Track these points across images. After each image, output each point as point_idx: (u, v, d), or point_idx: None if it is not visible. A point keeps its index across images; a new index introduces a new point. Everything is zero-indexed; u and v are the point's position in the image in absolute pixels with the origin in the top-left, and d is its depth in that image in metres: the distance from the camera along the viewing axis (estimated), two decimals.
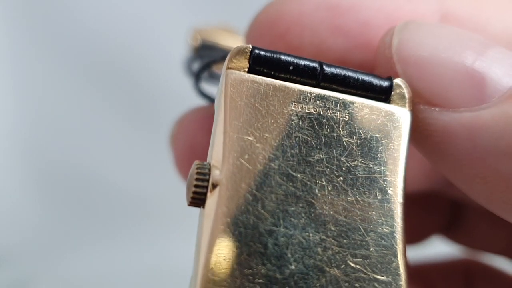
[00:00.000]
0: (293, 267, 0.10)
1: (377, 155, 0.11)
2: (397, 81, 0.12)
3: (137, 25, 0.48)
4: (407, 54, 0.12)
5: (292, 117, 0.11)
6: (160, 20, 0.48)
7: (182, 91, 0.50)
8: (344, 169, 0.11)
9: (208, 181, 0.10)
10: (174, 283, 0.41)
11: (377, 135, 0.11)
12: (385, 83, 0.12)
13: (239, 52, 0.11)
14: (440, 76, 0.12)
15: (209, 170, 0.10)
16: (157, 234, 0.45)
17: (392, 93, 0.12)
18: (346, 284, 0.10)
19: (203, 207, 0.10)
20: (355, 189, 0.11)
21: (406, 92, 0.12)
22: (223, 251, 0.10)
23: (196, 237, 0.11)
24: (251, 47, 0.11)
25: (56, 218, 0.49)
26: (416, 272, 0.23)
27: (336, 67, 0.12)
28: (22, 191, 0.49)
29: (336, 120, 0.11)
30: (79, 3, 0.47)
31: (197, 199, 0.11)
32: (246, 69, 0.11)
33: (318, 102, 0.11)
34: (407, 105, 0.12)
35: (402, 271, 0.11)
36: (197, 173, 0.10)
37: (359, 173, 0.11)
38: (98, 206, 0.50)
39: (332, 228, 0.10)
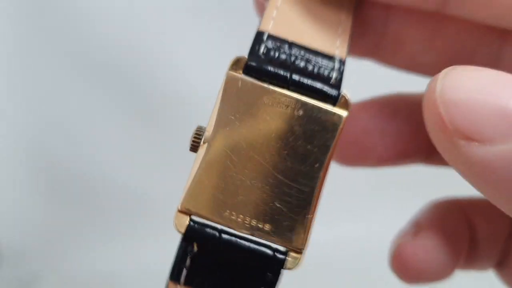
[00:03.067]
0: (240, 197, 0.17)
1: (314, 140, 0.17)
2: (343, 91, 0.17)
3: (140, 25, 0.48)
4: (447, 97, 0.15)
5: (265, 107, 0.17)
6: (163, 21, 0.49)
7: (185, 91, 0.51)
8: (290, 146, 0.17)
9: (201, 138, 0.17)
10: None
11: (317, 126, 0.17)
12: (334, 92, 0.17)
13: (238, 60, 0.17)
14: (477, 115, 0.15)
15: (203, 132, 0.17)
16: (161, 232, 0.46)
17: (339, 99, 0.17)
18: (270, 215, 0.17)
19: (196, 153, 0.17)
20: (294, 160, 0.17)
21: (348, 99, 0.17)
22: (202, 178, 0.17)
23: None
24: (246, 59, 0.17)
25: (60, 216, 0.50)
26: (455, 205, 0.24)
27: (303, 77, 0.17)
28: (27, 190, 0.50)
29: (293, 115, 0.17)
30: (86, 3, 0.47)
31: (194, 148, 0.18)
32: (241, 72, 0.17)
33: (283, 99, 0.17)
34: (345, 108, 0.17)
35: (309, 216, 0.17)
36: (196, 133, 0.18)
37: (299, 150, 0.17)
38: (103, 205, 0.50)
39: (270, 180, 0.17)
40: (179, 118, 0.49)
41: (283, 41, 0.18)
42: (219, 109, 0.17)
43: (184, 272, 0.17)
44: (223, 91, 0.17)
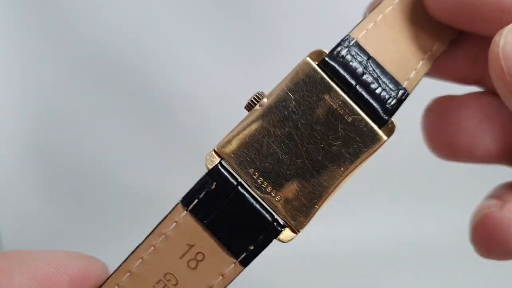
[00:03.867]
0: (268, 164, 0.18)
1: (350, 147, 0.18)
2: (393, 119, 0.19)
3: (146, 24, 0.48)
4: (509, 52, 0.17)
5: (323, 101, 0.19)
6: (165, 22, 0.49)
7: (190, 91, 0.51)
8: (328, 143, 0.18)
9: (258, 101, 0.19)
10: None
11: (358, 137, 0.19)
12: (385, 116, 0.19)
13: (319, 53, 0.19)
14: None
15: (262, 97, 0.19)
16: None
17: (386, 124, 0.19)
18: (285, 190, 0.18)
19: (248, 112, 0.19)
20: (326, 156, 0.18)
21: (394, 127, 0.19)
22: (243, 134, 0.18)
23: None
24: (326, 54, 0.19)
25: (63, 215, 0.50)
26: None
27: (366, 92, 0.19)
28: (29, 188, 0.50)
29: (343, 118, 0.19)
30: (90, 6, 0.47)
31: (249, 106, 0.19)
32: (317, 63, 0.19)
33: (341, 102, 0.19)
34: (389, 134, 0.19)
35: (317, 207, 0.18)
36: (256, 95, 0.19)
37: (333, 149, 0.18)
38: (106, 204, 0.50)
39: (299, 163, 0.18)
40: (184, 118, 0.49)
41: (365, 52, 0.19)
42: (284, 84, 0.19)
43: (195, 201, 0.18)
44: (295, 72, 0.19)
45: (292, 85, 0.19)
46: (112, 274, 0.18)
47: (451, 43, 0.22)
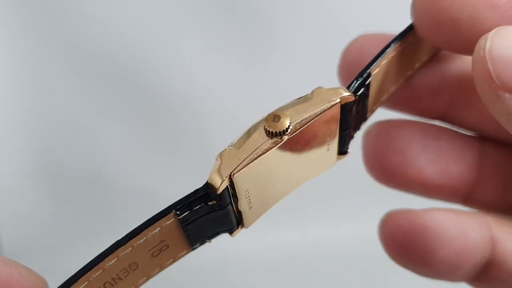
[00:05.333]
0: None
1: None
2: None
3: (142, 25, 0.49)
4: (495, 55, 0.17)
5: None
6: (165, 22, 0.49)
7: (192, 92, 0.51)
8: None
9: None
10: (182, 278, 0.42)
11: None
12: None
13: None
14: None
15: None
16: None
17: None
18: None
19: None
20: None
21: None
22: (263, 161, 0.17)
23: None
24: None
25: (64, 215, 0.50)
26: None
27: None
28: (29, 188, 0.50)
29: None
30: (90, 6, 0.47)
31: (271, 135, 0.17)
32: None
33: None
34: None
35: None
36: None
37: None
38: (107, 204, 0.50)
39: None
40: (185, 118, 0.49)
41: None
42: None
43: (187, 212, 0.17)
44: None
45: None
46: (86, 272, 0.18)
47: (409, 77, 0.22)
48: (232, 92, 0.48)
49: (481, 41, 0.18)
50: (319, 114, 0.17)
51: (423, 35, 0.21)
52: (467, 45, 0.19)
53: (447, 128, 0.24)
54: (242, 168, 0.17)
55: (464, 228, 0.22)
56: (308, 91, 0.18)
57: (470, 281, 0.23)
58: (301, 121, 0.17)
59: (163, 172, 0.50)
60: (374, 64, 0.19)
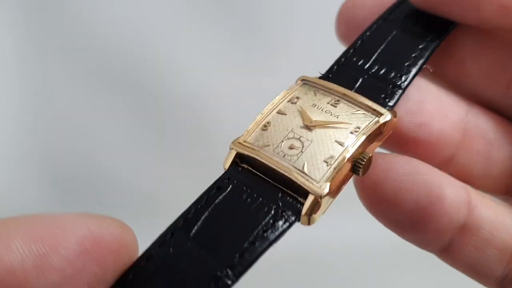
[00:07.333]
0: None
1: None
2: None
3: (142, 25, 0.49)
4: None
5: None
6: (166, 22, 0.49)
7: (191, 92, 0.51)
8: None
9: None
10: None
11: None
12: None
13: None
14: None
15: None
16: None
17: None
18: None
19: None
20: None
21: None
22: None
23: None
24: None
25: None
26: None
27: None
28: (30, 188, 0.50)
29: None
30: (90, 6, 0.47)
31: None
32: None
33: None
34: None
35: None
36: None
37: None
38: (108, 204, 0.50)
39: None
40: (184, 118, 0.49)
41: None
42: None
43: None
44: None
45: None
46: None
47: None
48: (232, 92, 0.48)
49: None
50: None
51: None
52: None
53: (431, 84, 0.24)
54: None
55: (440, 181, 0.22)
56: None
57: (444, 248, 0.23)
58: None
59: (163, 171, 0.50)
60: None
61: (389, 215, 0.22)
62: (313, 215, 0.19)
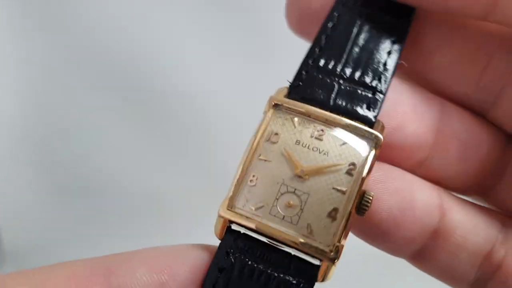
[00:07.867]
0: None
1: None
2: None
3: (142, 25, 0.48)
4: None
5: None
6: (166, 22, 0.49)
7: (192, 92, 0.51)
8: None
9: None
10: None
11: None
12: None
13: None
14: None
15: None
16: (167, 231, 0.46)
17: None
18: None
19: None
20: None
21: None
22: None
23: None
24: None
25: (65, 215, 0.49)
26: None
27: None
28: (31, 188, 0.50)
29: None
30: (90, 5, 0.47)
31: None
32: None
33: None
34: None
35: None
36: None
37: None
38: (109, 205, 0.50)
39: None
40: (185, 118, 0.49)
41: None
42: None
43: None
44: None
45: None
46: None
47: None
48: (233, 92, 0.48)
49: None
50: None
51: None
52: None
53: (405, 82, 0.23)
54: None
55: (411, 187, 0.21)
56: None
57: (416, 254, 0.22)
58: None
59: (163, 171, 0.50)
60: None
61: (360, 226, 0.22)
62: (328, 275, 0.18)
